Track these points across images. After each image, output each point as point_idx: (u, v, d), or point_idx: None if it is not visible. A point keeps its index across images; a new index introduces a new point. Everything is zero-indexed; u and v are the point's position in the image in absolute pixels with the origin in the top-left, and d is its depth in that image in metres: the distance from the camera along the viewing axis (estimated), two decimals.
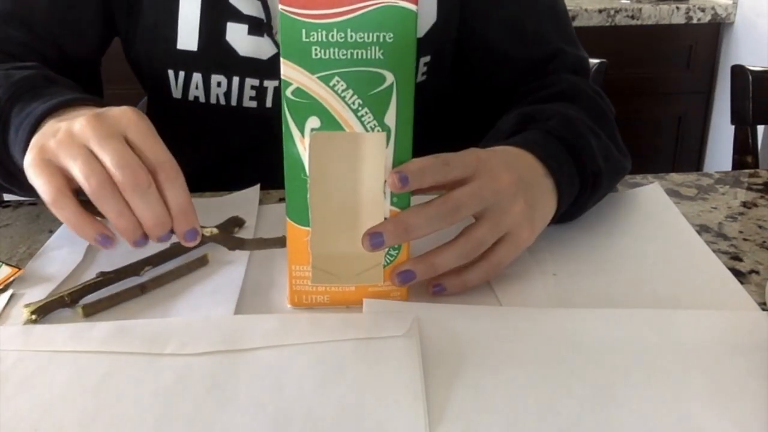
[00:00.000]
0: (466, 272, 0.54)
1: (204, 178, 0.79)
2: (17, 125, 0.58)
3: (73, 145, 0.50)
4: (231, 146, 0.83)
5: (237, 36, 0.76)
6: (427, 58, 0.81)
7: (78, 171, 0.49)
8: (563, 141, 0.61)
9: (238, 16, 0.76)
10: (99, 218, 0.50)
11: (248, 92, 0.79)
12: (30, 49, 0.75)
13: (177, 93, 0.80)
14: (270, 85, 0.78)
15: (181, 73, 0.78)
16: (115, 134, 0.50)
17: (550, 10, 0.81)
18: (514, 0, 0.80)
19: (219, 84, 0.78)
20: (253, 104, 0.79)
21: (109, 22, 0.80)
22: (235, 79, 0.78)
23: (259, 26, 0.76)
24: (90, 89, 0.82)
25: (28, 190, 0.55)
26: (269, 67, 0.77)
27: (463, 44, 0.83)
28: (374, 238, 0.50)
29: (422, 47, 0.79)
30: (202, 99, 0.79)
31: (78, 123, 0.51)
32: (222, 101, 0.79)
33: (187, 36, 0.76)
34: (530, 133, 0.62)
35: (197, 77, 0.78)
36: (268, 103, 0.79)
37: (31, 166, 0.51)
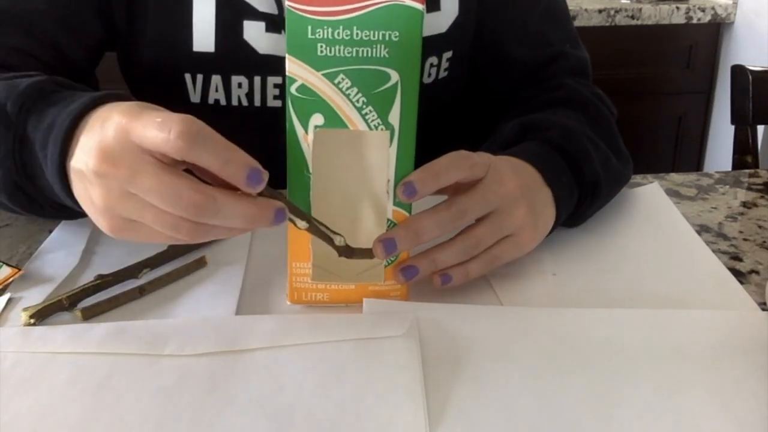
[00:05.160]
0: (468, 263, 0.55)
1: None
2: (41, 141, 0.52)
3: (127, 200, 0.45)
4: (256, 148, 0.81)
5: (255, 34, 0.74)
6: (449, 54, 0.80)
7: (154, 225, 0.45)
8: (562, 152, 0.61)
9: (254, 14, 0.74)
10: None
11: (271, 91, 0.77)
12: (27, 55, 0.73)
13: (195, 98, 0.78)
14: None
15: (199, 77, 0.76)
16: (148, 165, 0.44)
17: (551, 10, 0.81)
18: (518, 1, 0.79)
19: (240, 85, 0.76)
20: (278, 103, 0.77)
21: (108, 24, 0.78)
22: (257, 79, 0.76)
23: (275, 23, 0.74)
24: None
25: (50, 216, 0.51)
26: None
27: (472, 42, 0.82)
28: (387, 244, 0.51)
29: (445, 42, 0.78)
30: (222, 102, 0.77)
31: (97, 170, 0.45)
32: (244, 102, 0.77)
33: (203, 37, 0.74)
34: (529, 144, 0.63)
35: (216, 79, 0.76)
36: None
37: (116, 234, 0.47)
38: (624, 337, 0.50)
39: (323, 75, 0.48)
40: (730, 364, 0.47)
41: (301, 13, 0.46)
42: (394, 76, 0.48)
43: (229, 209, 0.44)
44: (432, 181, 0.51)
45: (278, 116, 0.77)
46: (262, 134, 0.79)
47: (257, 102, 0.77)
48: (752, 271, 0.59)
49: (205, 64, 0.75)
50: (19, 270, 0.58)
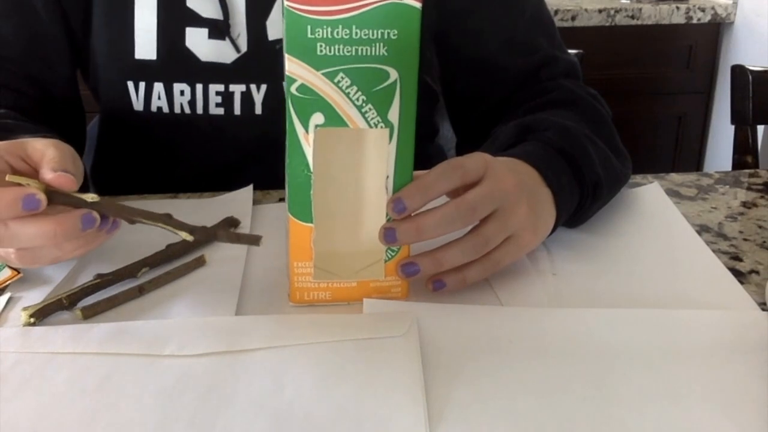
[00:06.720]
0: (466, 269, 0.54)
1: (179, 189, 0.78)
2: None
3: None
4: (202, 157, 0.81)
5: (197, 41, 0.74)
6: None
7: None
8: (561, 152, 0.61)
9: (197, 21, 0.74)
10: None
11: (213, 99, 0.77)
12: (5, 88, 0.75)
13: (138, 105, 0.78)
14: (236, 89, 0.76)
15: (142, 84, 0.76)
16: None
17: (536, 18, 0.80)
18: (502, 12, 0.79)
19: (182, 92, 0.76)
20: (220, 111, 0.77)
21: (75, 50, 0.80)
22: (199, 86, 0.76)
23: (219, 29, 0.74)
24: (71, 116, 0.82)
25: None
26: (233, 71, 0.76)
27: (455, 59, 0.82)
28: (387, 233, 0.51)
29: None
30: (165, 109, 0.77)
31: None
32: (187, 110, 0.77)
33: (145, 45, 0.74)
34: (528, 145, 0.62)
35: (159, 87, 0.76)
36: (237, 110, 0.77)
37: None
38: (624, 337, 0.50)
39: (323, 74, 0.48)
40: (730, 364, 0.47)
41: (300, 12, 0.47)
42: (393, 74, 0.48)
43: (25, 232, 0.46)
44: (421, 196, 0.51)
45: (221, 124, 0.77)
46: (206, 142, 0.79)
47: (199, 110, 0.77)
48: (752, 271, 0.59)
49: (147, 71, 0.76)
50: (18, 273, 0.58)
